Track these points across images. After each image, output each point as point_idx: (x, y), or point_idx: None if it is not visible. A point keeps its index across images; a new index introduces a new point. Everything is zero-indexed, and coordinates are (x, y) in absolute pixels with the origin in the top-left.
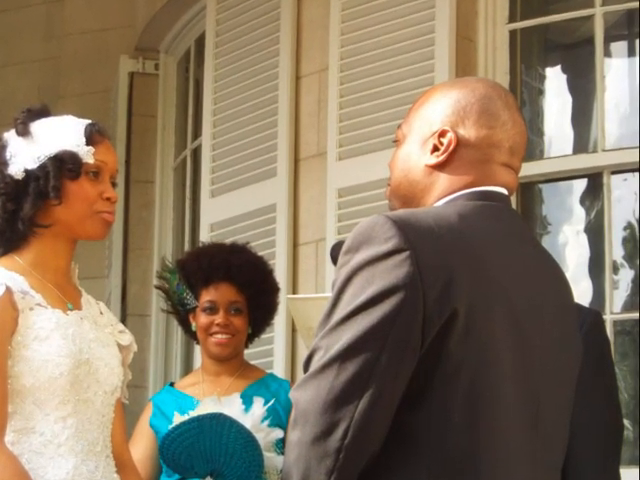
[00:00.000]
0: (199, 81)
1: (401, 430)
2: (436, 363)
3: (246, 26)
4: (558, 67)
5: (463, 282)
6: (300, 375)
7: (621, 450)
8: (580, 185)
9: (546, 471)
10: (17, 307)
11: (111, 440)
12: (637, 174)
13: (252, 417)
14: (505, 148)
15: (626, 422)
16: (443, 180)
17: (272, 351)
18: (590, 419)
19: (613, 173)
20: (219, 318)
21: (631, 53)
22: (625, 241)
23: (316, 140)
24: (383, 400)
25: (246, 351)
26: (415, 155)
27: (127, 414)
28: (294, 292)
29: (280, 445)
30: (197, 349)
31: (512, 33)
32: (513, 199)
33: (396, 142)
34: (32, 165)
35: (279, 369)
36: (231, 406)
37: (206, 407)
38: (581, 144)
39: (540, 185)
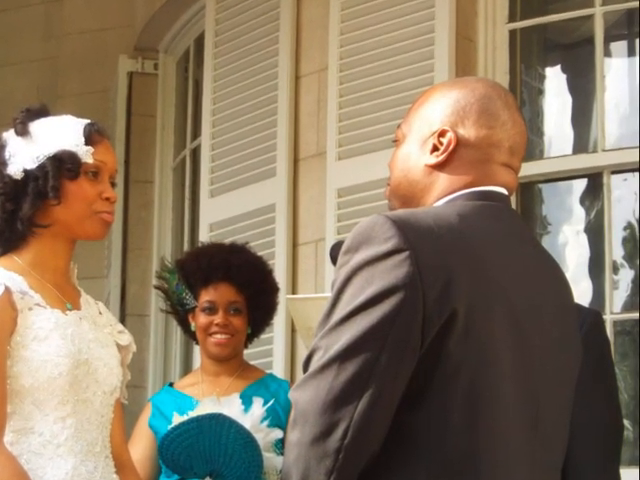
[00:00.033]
0: (198, 81)
1: (401, 430)
2: (436, 363)
3: (245, 26)
4: (558, 67)
5: (463, 282)
6: (299, 375)
7: (621, 450)
8: (580, 185)
9: (546, 471)
10: (16, 307)
11: (110, 440)
12: (637, 174)
13: (251, 417)
14: (505, 148)
15: (626, 422)
16: (443, 180)
17: (271, 351)
18: (590, 419)
19: (613, 173)
20: (218, 318)
21: (631, 53)
22: (625, 241)
23: (316, 140)
24: (383, 400)
25: (245, 351)
26: (415, 155)
27: (126, 414)
28: (293, 292)
29: (279, 445)
30: (196, 349)
31: (512, 33)
32: (513, 199)
33: (396, 142)
34: (31, 165)
35: (278, 369)
36: (230, 406)
37: (205, 407)
38: (581, 144)
39: (540, 185)
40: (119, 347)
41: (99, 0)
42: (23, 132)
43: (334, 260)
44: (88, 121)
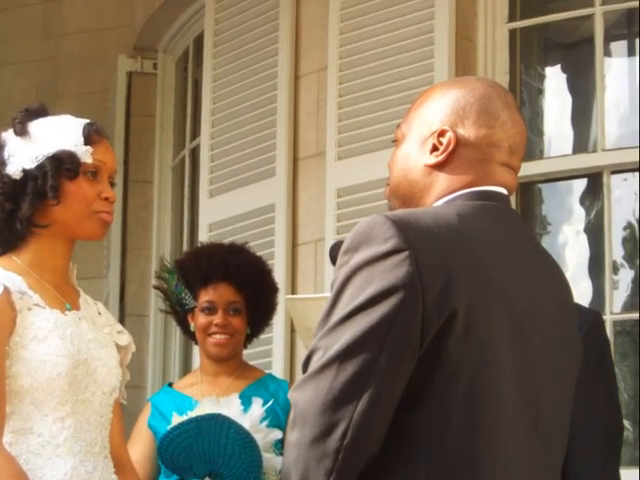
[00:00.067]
0: (198, 80)
1: (400, 431)
2: (435, 363)
3: (245, 25)
4: (558, 66)
5: (462, 282)
6: (299, 375)
7: (621, 451)
8: (580, 185)
9: (545, 471)
10: (15, 307)
11: (109, 441)
12: (637, 174)
13: (251, 418)
14: (505, 148)
15: (626, 423)
16: (442, 180)
17: (271, 351)
18: (590, 420)
19: (613, 173)
20: (218, 318)
21: (631, 52)
22: (625, 241)
23: (315, 140)
24: (382, 401)
25: (245, 351)
26: (414, 155)
27: (125, 415)
28: (293, 292)
29: (279, 446)
30: (195, 349)
31: (512, 32)
32: (513, 199)
33: (395, 142)
34: (30, 165)
35: (278, 369)
36: (230, 407)
37: (205, 408)
38: (581, 144)
39: (540, 185)
40: (118, 347)
41: (98, 0)
42: (22, 132)
43: (333, 260)
44: (87, 121)
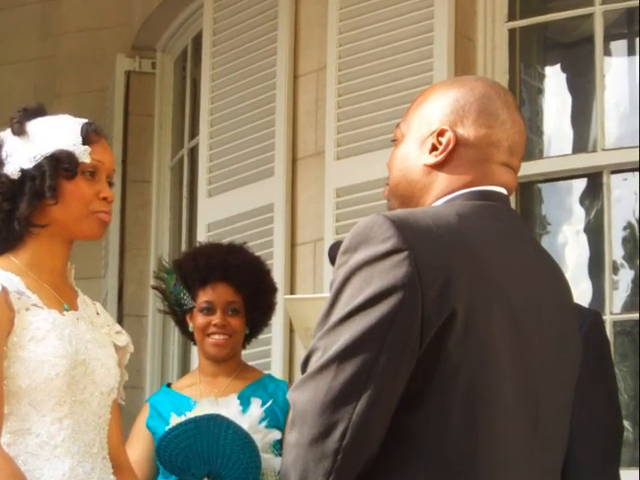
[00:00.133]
0: (196, 80)
1: (399, 431)
2: (435, 364)
3: (243, 24)
4: (557, 66)
5: (462, 282)
6: (298, 376)
7: (621, 451)
8: (580, 185)
9: (545, 472)
10: (13, 308)
11: (108, 441)
12: (637, 174)
13: (249, 418)
14: (504, 147)
15: (626, 423)
16: (442, 180)
17: (270, 352)
18: (590, 420)
19: (613, 173)
20: (216, 319)
21: (631, 52)
22: (625, 241)
23: (314, 139)
24: (381, 401)
25: (243, 352)
26: (414, 154)
27: (124, 415)
28: (292, 292)
29: (278, 446)
30: (194, 350)
31: (511, 32)
32: (512, 199)
33: (394, 141)
34: (28, 164)
35: (277, 370)
36: (228, 407)
37: (203, 408)
38: (581, 143)
39: (539, 185)
40: (116, 348)
41: None
42: (20, 131)
43: (332, 260)
44: (85, 120)
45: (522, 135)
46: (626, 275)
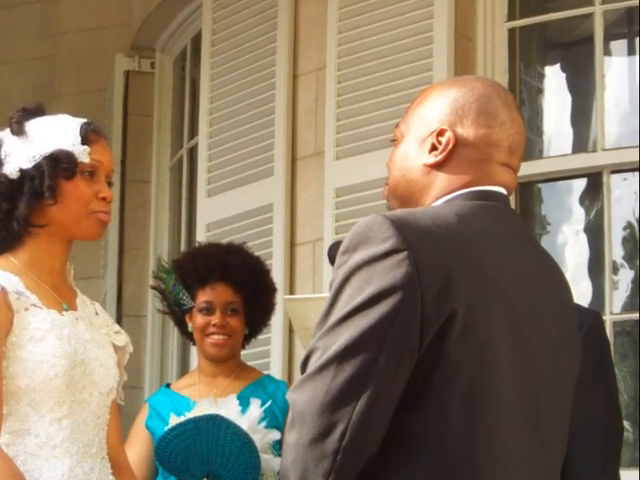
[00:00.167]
0: (195, 80)
1: (399, 432)
2: (434, 364)
3: (243, 24)
4: (557, 66)
5: (461, 282)
6: (297, 376)
7: (621, 452)
8: (580, 185)
9: (545, 472)
10: (12, 308)
11: (107, 442)
12: (637, 174)
13: (249, 418)
14: (504, 147)
15: (626, 424)
16: (441, 180)
17: (269, 352)
18: (590, 420)
19: (613, 172)
20: (216, 319)
21: (631, 52)
22: (625, 241)
23: (313, 139)
24: (381, 401)
25: (243, 352)
26: (413, 154)
27: (123, 415)
28: (291, 292)
29: (277, 447)
30: (193, 350)
31: (511, 31)
32: (512, 199)
33: (394, 141)
34: (27, 164)
35: (276, 370)
36: (228, 407)
37: (202, 408)
38: (581, 143)
39: (539, 185)
40: (116, 348)
41: None
42: (19, 131)
43: (332, 260)
44: (84, 120)
45: (522, 135)
46: (626, 275)
